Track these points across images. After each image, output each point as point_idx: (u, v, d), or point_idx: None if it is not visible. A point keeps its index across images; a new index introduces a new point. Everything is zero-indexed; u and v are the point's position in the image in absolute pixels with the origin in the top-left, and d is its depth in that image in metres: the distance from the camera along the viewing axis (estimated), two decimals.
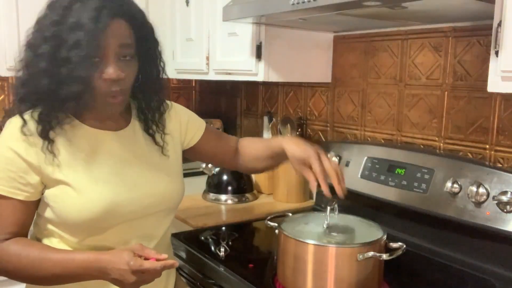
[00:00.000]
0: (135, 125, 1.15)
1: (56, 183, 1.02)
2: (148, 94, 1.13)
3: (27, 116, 1.01)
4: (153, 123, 1.15)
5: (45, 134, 1.00)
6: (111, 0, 0.97)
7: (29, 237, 1.11)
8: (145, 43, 1.06)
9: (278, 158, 1.29)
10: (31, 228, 1.10)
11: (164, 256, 0.98)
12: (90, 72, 0.95)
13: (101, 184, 1.04)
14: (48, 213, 1.04)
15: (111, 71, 0.98)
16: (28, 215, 1.04)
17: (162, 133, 1.16)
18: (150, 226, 1.13)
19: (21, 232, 1.04)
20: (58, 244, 1.07)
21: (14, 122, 1.01)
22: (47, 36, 0.95)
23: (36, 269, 1.00)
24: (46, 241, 1.08)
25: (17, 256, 1.00)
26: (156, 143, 1.15)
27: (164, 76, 1.14)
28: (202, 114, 1.35)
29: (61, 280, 1.02)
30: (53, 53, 0.94)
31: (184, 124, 1.25)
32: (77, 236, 1.05)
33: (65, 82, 0.95)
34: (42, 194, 1.04)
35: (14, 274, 1.03)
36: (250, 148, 1.35)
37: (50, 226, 1.06)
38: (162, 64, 1.12)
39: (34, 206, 1.05)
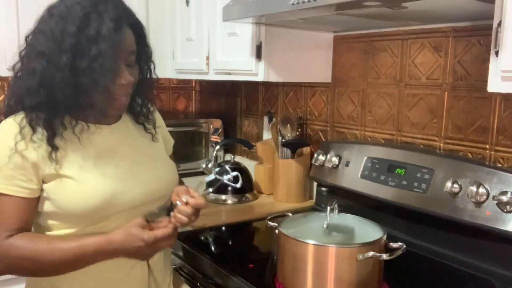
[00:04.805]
0: (126, 119, 1.20)
1: (56, 177, 1.04)
2: (140, 93, 1.18)
3: (24, 115, 1.03)
4: (143, 115, 1.21)
5: (48, 133, 1.02)
6: (122, 9, 1.04)
7: None
8: (140, 46, 1.12)
9: None
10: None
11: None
12: (110, 80, 1.01)
13: (101, 174, 1.07)
14: (47, 207, 1.06)
15: (128, 77, 1.05)
16: (32, 211, 1.06)
17: (152, 124, 1.23)
18: None
19: (26, 228, 1.06)
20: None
21: (12, 122, 1.03)
22: (65, 47, 0.97)
23: (48, 259, 1.02)
24: None
25: (26, 249, 1.02)
26: (146, 130, 1.22)
27: (154, 76, 1.19)
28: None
29: (73, 267, 1.05)
30: (74, 63, 0.97)
31: (162, 129, 1.31)
32: (77, 226, 1.07)
33: (85, 91, 0.99)
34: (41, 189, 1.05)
35: (26, 268, 1.05)
36: None
37: (50, 222, 1.07)
38: (152, 64, 1.17)
39: (36, 202, 1.06)
